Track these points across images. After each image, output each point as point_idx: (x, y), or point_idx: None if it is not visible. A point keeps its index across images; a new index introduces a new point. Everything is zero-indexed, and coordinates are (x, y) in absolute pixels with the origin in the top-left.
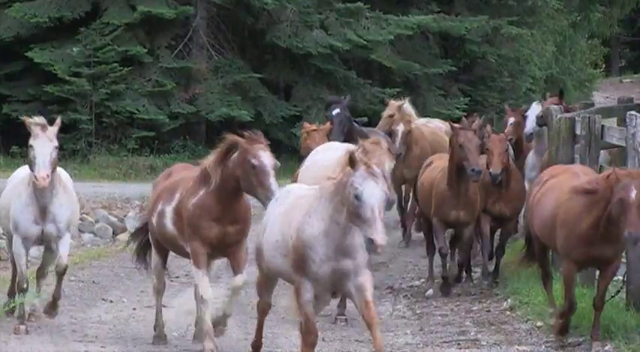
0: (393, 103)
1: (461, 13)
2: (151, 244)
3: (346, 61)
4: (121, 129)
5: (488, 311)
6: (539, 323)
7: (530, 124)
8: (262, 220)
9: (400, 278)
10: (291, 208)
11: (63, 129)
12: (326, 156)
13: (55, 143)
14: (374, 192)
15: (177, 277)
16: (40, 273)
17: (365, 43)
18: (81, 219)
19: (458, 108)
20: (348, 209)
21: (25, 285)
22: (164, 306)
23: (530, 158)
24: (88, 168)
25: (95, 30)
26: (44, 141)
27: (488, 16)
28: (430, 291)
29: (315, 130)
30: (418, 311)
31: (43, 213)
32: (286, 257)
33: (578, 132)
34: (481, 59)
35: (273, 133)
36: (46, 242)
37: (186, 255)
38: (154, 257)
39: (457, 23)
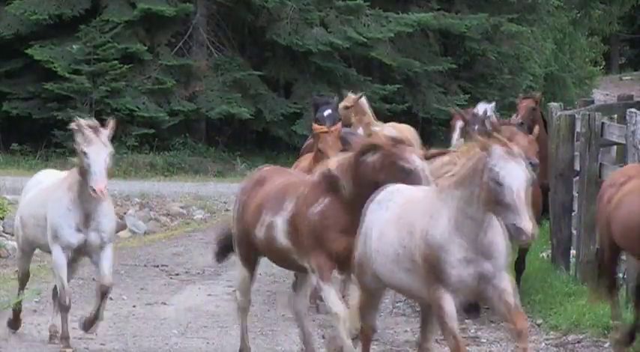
0: (350, 96)
1: (461, 11)
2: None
3: (346, 59)
4: (120, 126)
5: (488, 308)
6: (539, 321)
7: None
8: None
9: None
10: (405, 213)
11: (62, 127)
12: None
13: (110, 148)
14: (517, 173)
15: (177, 274)
16: (55, 291)
17: (365, 40)
18: None
19: (458, 105)
20: (487, 198)
21: (67, 301)
22: (164, 304)
23: None
24: None
25: (95, 27)
26: (99, 148)
27: (488, 14)
28: None
29: (326, 132)
30: (418, 309)
31: (86, 219)
32: (412, 271)
33: (578, 129)
34: (481, 56)
35: (273, 131)
36: (87, 253)
37: (298, 268)
38: (241, 271)
39: (457, 21)
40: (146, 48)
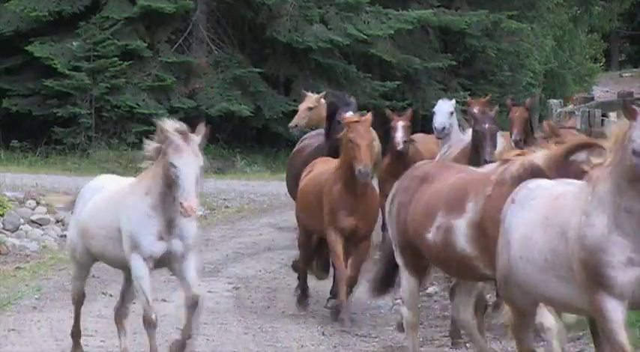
0: (312, 96)
1: (461, 8)
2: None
3: (346, 56)
4: (120, 123)
5: (488, 305)
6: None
7: (443, 118)
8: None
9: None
10: (551, 213)
11: (62, 124)
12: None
13: (202, 159)
14: None
15: None
16: (122, 311)
17: (365, 37)
18: None
19: (458, 102)
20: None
21: (153, 317)
22: (164, 300)
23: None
24: (88, 163)
25: (95, 24)
26: (190, 159)
27: (488, 11)
28: (432, 288)
29: (357, 122)
30: (418, 306)
31: (168, 226)
32: (566, 280)
33: (578, 126)
34: (481, 53)
35: (273, 128)
36: (169, 263)
37: (478, 278)
38: (409, 282)
39: (457, 17)
40: (146, 45)
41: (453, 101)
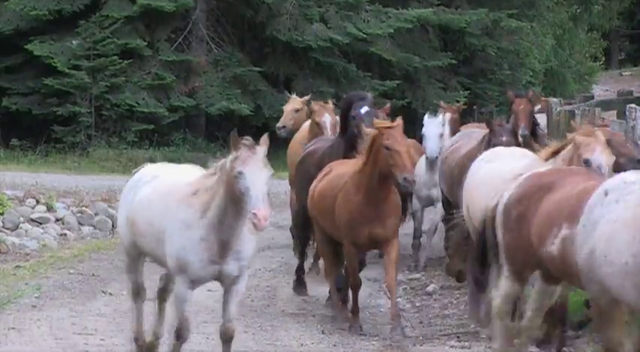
0: (296, 98)
1: (460, 6)
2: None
3: (346, 54)
4: (120, 122)
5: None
6: None
7: (434, 144)
8: (576, 230)
9: (400, 271)
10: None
11: (62, 122)
12: (507, 164)
13: (269, 170)
14: None
15: None
16: (162, 302)
17: (365, 36)
18: (80, 212)
19: (457, 101)
20: None
21: (187, 334)
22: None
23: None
24: (88, 161)
25: (95, 23)
26: (258, 168)
27: (488, 9)
28: (431, 286)
29: (391, 127)
30: (418, 304)
31: (223, 249)
32: None
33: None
34: (481, 52)
35: (273, 126)
36: (219, 281)
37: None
38: (510, 287)
39: (457, 16)
40: (146, 43)
41: (440, 118)
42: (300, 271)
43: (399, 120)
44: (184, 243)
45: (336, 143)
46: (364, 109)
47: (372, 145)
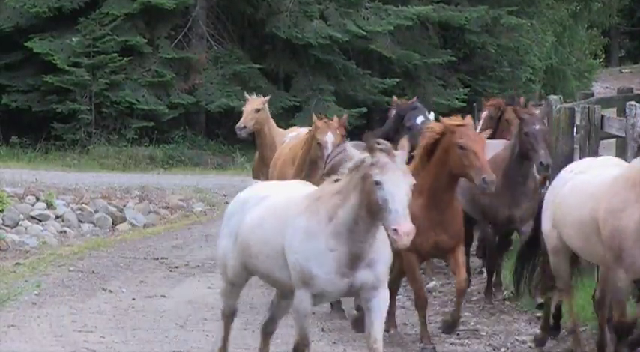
0: (256, 98)
1: (460, 4)
2: None
3: (346, 52)
4: (120, 119)
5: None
6: (538, 314)
7: None
8: None
9: None
10: None
11: (62, 120)
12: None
13: (410, 179)
14: None
15: (177, 267)
16: (270, 326)
17: (364, 33)
18: (80, 209)
19: (457, 99)
20: None
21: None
22: (164, 296)
23: None
24: (88, 158)
25: (95, 20)
26: (398, 177)
27: (488, 6)
28: (431, 283)
29: (462, 125)
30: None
31: (353, 260)
32: None
33: (577, 122)
34: (481, 49)
35: None
36: (352, 294)
37: None
38: (626, 279)
39: (457, 13)
40: (146, 41)
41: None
42: None
43: (469, 119)
44: (310, 254)
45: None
46: (420, 119)
47: (435, 144)
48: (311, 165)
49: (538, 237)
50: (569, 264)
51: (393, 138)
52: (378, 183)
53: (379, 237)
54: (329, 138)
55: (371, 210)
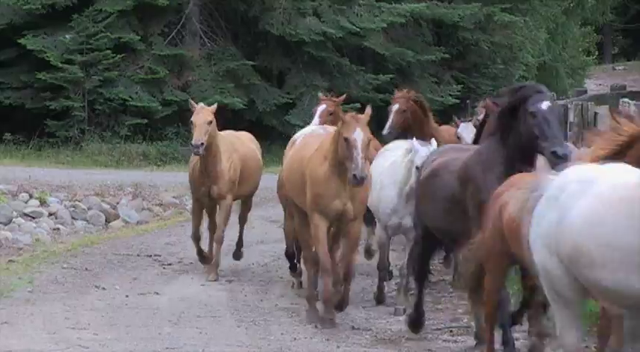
0: (204, 107)
1: (454, 1)
2: None
3: (339, 48)
4: (113, 116)
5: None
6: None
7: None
8: None
9: (393, 265)
10: None
11: (55, 117)
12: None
13: None
14: None
15: (170, 264)
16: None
17: (358, 30)
18: (73, 206)
19: (451, 95)
20: None
21: None
22: (157, 293)
23: None
24: (81, 155)
25: (88, 17)
26: None
27: (481, 3)
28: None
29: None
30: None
31: None
32: None
33: (571, 119)
34: (474, 46)
35: (266, 120)
36: None
37: None
38: None
39: (450, 10)
40: (139, 37)
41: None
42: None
43: None
44: None
45: (492, 150)
46: (545, 104)
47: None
48: (340, 166)
49: None
50: None
51: (505, 126)
52: None
53: None
54: (357, 135)
55: None
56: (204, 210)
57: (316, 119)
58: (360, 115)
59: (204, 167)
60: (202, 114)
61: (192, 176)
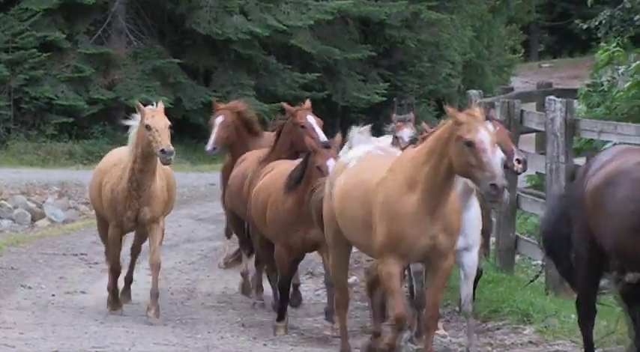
0: (155, 109)
1: None
2: None
3: (266, 47)
4: (39, 115)
5: None
6: (458, 308)
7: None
8: None
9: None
10: None
11: None
12: None
13: None
14: None
15: (97, 263)
16: None
17: (285, 28)
18: None
19: (377, 93)
20: None
21: None
22: (83, 292)
23: None
24: (7, 154)
25: (14, 15)
26: None
27: (408, 1)
28: (352, 279)
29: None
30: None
31: None
32: None
33: (497, 117)
34: (401, 44)
35: (193, 119)
36: None
37: None
38: None
39: (377, 8)
40: (65, 36)
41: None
42: None
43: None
44: None
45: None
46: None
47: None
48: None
49: None
50: None
51: None
52: None
53: None
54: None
55: None
56: (122, 238)
57: (215, 133)
58: (476, 112)
59: (136, 185)
60: (160, 118)
61: (109, 198)
